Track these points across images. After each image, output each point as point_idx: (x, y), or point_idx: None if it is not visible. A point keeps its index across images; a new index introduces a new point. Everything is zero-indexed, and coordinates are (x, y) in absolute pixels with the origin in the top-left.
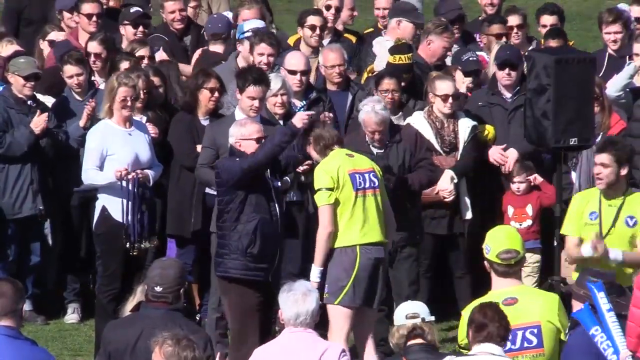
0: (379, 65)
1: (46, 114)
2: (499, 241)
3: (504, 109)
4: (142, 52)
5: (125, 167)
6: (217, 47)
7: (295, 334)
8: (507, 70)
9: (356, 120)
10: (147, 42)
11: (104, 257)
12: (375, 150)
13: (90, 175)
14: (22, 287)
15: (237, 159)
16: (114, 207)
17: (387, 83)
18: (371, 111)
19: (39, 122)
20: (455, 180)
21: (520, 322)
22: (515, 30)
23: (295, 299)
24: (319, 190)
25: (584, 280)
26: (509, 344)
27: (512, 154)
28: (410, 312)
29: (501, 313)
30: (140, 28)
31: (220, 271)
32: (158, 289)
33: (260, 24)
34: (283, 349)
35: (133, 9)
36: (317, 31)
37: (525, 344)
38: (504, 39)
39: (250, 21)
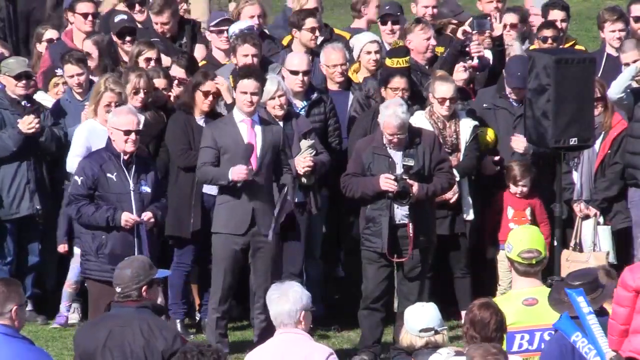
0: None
1: (32, 115)
2: (521, 240)
3: (510, 113)
4: (149, 54)
5: None
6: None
7: (283, 335)
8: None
9: (356, 119)
10: (154, 45)
11: None
12: (393, 152)
13: (74, 161)
14: (17, 286)
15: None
16: None
17: (398, 81)
18: (392, 114)
19: (26, 122)
20: (458, 179)
21: (540, 324)
22: (507, 28)
23: (271, 300)
24: None
25: (563, 286)
26: (526, 344)
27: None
28: (423, 326)
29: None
30: (128, 38)
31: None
32: (118, 289)
33: (247, 23)
34: (270, 350)
35: (117, 18)
36: (317, 33)
37: (543, 346)
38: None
39: (237, 22)
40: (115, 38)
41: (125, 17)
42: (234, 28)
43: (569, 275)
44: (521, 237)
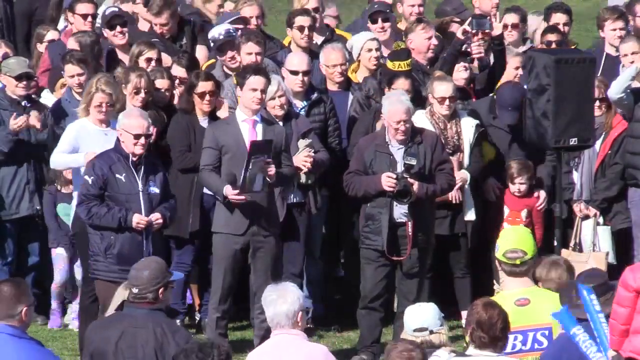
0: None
1: (24, 116)
2: (507, 240)
3: (505, 132)
4: (149, 54)
5: None
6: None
7: (280, 336)
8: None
9: (357, 119)
10: (155, 45)
11: (83, 257)
12: (395, 150)
13: (58, 157)
14: (26, 287)
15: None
16: None
17: (402, 83)
18: (396, 101)
19: (18, 122)
20: (468, 182)
21: (532, 324)
22: (509, 29)
23: (269, 301)
24: None
25: (575, 284)
26: (519, 345)
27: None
28: (417, 325)
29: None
30: (118, 28)
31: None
32: (135, 290)
33: (226, 27)
34: (268, 352)
35: (108, 11)
36: (306, 32)
37: (536, 346)
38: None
39: (217, 27)
40: (107, 32)
41: (116, 9)
42: (214, 32)
43: (580, 276)
44: (508, 237)
